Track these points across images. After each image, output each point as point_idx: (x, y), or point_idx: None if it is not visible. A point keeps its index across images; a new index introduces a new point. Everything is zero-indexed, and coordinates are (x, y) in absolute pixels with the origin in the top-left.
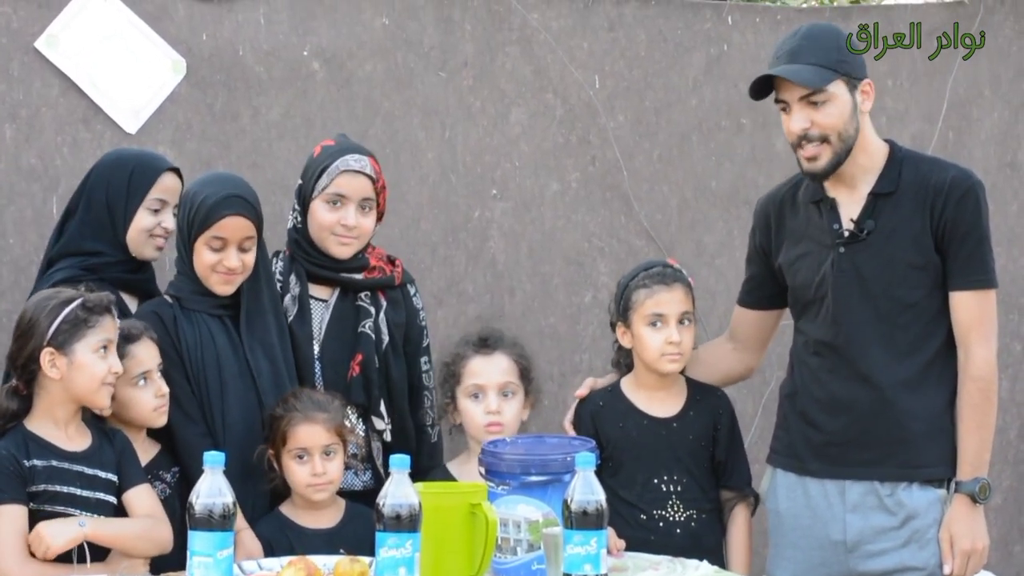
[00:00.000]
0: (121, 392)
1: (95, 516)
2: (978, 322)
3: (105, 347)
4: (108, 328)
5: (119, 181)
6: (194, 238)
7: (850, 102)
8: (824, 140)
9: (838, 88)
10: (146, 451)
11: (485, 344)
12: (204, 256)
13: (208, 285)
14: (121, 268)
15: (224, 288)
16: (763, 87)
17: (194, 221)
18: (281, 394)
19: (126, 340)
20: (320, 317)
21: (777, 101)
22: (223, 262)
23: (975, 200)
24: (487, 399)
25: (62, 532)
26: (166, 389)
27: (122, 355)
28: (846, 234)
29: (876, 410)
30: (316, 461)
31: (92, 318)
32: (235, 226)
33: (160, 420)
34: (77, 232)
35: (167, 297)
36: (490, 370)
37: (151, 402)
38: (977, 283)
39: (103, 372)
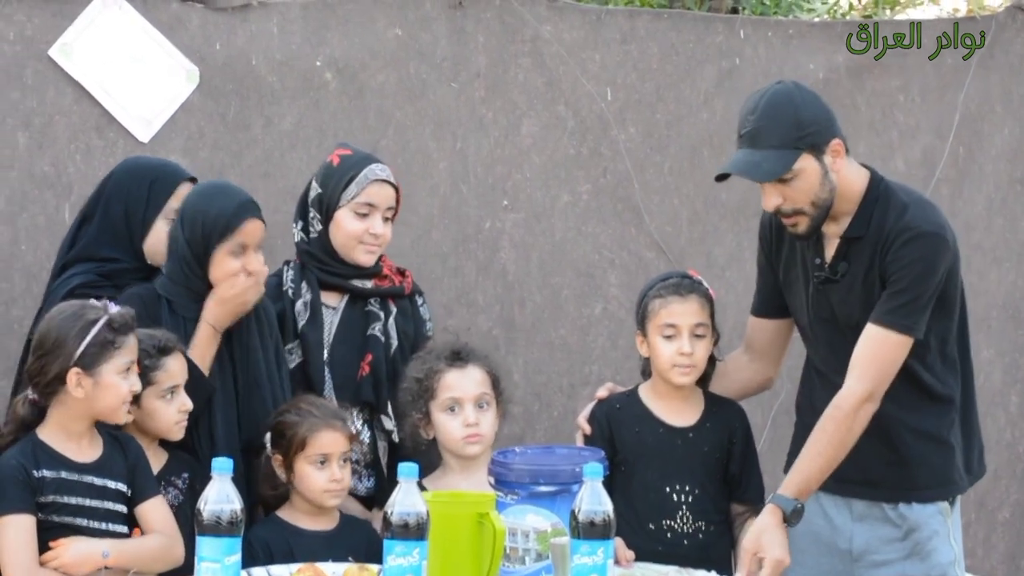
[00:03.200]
0: (148, 403)
1: (116, 540)
2: (867, 358)
3: (129, 368)
4: (131, 348)
5: (138, 190)
6: (213, 248)
7: (819, 170)
8: (798, 212)
9: (804, 163)
10: (157, 458)
11: (459, 357)
12: (227, 264)
13: None
14: (135, 275)
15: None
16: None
17: (212, 232)
18: (260, 402)
19: (161, 352)
20: (329, 322)
21: None
22: (246, 267)
23: (917, 247)
24: (464, 412)
25: (84, 560)
26: (190, 405)
27: (156, 367)
28: (822, 273)
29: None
30: (335, 467)
31: (119, 339)
32: (255, 230)
33: (179, 434)
34: (94, 239)
35: (158, 289)
36: (465, 383)
37: (174, 416)
38: (883, 320)
39: (126, 392)
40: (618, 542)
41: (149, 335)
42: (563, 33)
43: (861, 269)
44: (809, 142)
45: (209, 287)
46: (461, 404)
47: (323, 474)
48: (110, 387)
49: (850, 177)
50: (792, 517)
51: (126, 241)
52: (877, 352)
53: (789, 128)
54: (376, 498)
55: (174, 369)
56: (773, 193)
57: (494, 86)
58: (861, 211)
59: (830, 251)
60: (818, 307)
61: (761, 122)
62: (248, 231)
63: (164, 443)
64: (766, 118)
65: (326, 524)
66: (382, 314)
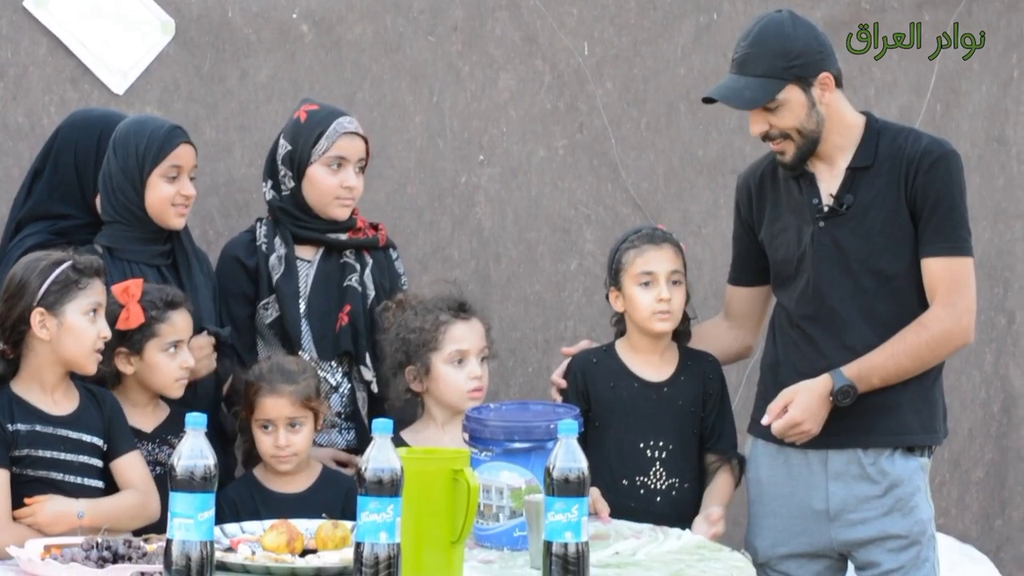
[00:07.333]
0: (150, 356)
1: (92, 500)
2: (944, 286)
3: (95, 310)
4: (98, 291)
5: (87, 143)
6: (148, 174)
7: (805, 101)
8: (785, 136)
9: (790, 93)
10: (156, 414)
11: (464, 309)
12: (162, 190)
13: (164, 220)
14: (89, 231)
15: (180, 221)
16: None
17: (146, 157)
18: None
19: (168, 306)
20: (305, 275)
21: None
22: (180, 192)
23: (945, 168)
24: (469, 365)
25: (59, 520)
26: (192, 362)
27: (162, 320)
28: (825, 208)
29: None
30: (280, 433)
31: (83, 280)
32: (188, 154)
33: (178, 391)
34: (45, 195)
35: (96, 247)
36: (472, 336)
37: (175, 372)
38: (945, 250)
39: (93, 336)
40: (595, 493)
41: (158, 288)
42: None
43: (874, 197)
44: (796, 73)
45: (147, 217)
46: (467, 357)
47: (269, 438)
48: (75, 328)
49: (843, 111)
50: (839, 394)
51: (78, 196)
52: (950, 280)
53: (776, 57)
54: (358, 451)
55: (179, 324)
56: (759, 120)
57: (471, 40)
58: (864, 142)
59: (830, 187)
60: (820, 246)
61: (751, 49)
62: (181, 154)
63: (166, 400)
64: (756, 45)
65: (301, 483)
66: (358, 266)
